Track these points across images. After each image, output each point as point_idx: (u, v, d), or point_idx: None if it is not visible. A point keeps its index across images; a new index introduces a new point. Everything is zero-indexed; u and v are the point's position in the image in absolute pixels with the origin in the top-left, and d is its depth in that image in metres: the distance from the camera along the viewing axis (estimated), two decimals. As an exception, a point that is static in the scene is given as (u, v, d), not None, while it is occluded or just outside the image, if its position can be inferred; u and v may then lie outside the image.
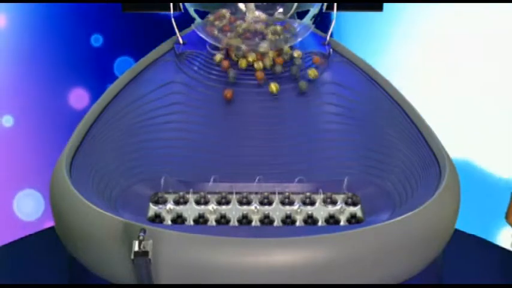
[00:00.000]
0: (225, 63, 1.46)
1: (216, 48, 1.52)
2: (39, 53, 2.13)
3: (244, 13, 1.55)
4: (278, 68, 1.47)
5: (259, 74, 1.45)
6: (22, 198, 2.15)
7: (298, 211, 1.22)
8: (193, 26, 1.56)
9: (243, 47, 1.48)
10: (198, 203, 1.23)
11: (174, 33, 1.58)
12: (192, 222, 1.21)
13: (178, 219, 1.21)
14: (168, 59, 1.54)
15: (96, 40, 2.16)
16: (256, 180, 1.26)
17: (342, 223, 1.21)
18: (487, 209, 2.03)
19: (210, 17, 1.54)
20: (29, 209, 2.15)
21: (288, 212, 1.22)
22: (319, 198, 1.24)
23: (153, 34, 1.98)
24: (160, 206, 1.23)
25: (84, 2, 2.02)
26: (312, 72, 1.46)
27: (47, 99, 2.15)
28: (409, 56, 2.10)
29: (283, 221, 1.21)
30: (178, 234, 1.06)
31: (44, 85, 2.14)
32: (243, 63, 1.46)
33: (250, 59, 1.47)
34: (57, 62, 2.13)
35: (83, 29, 2.15)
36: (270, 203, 1.23)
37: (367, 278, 1.09)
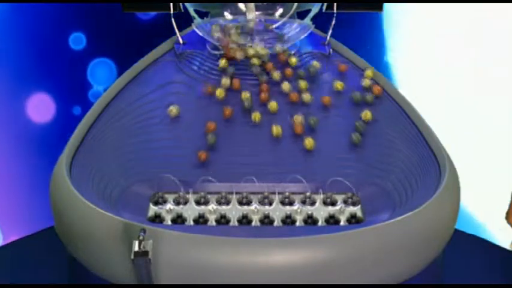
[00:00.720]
0: (211, 126, 1.35)
1: (216, 48, 1.52)
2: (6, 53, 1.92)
3: (244, 13, 1.55)
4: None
5: (298, 128, 1.36)
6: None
7: (298, 211, 1.22)
8: (193, 26, 1.56)
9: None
10: (198, 203, 1.23)
11: (155, 35, 1.58)
12: (192, 222, 1.21)
13: (178, 219, 1.21)
14: (168, 59, 1.54)
15: (75, 41, 2.00)
16: (255, 180, 1.26)
17: (342, 223, 1.21)
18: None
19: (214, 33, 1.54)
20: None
21: (288, 212, 1.22)
22: (319, 198, 1.24)
23: (132, 35, 1.95)
24: (160, 206, 1.23)
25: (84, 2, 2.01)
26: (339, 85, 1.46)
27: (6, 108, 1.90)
28: (409, 56, 2.11)
29: (283, 221, 1.21)
30: (178, 234, 1.06)
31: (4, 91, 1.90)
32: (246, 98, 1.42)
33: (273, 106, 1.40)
34: (28, 65, 1.93)
35: (60, 28, 1.98)
36: (270, 203, 1.23)
37: (367, 278, 1.09)
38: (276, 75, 1.47)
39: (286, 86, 1.44)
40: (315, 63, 1.50)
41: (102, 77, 2.03)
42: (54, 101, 1.99)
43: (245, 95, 1.42)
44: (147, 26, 1.99)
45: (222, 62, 1.48)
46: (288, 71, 1.48)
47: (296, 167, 1.29)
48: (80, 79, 2.02)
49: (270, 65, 1.49)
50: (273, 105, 1.40)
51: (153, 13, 1.94)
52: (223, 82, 1.44)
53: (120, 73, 1.82)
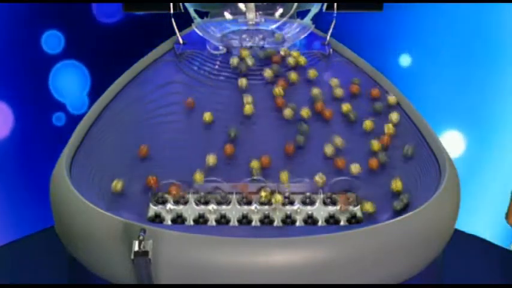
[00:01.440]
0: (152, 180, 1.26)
1: (216, 48, 1.52)
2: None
3: (244, 13, 1.55)
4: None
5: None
6: None
7: (298, 211, 1.22)
8: (193, 26, 1.56)
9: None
10: (198, 203, 1.23)
11: (124, 37, 1.57)
12: (192, 222, 1.21)
13: (178, 219, 1.21)
14: (168, 59, 1.53)
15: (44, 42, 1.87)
16: (254, 178, 1.26)
17: (342, 223, 1.21)
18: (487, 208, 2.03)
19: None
20: None
21: (288, 212, 1.22)
22: (319, 198, 1.24)
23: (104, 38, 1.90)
24: (161, 206, 1.23)
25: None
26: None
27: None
28: (408, 56, 2.11)
29: (283, 221, 1.21)
30: (178, 234, 1.06)
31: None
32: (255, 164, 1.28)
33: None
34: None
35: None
36: (270, 203, 1.23)
37: (367, 278, 1.09)
38: (339, 141, 1.32)
39: (329, 149, 1.31)
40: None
41: (73, 84, 1.97)
42: (12, 111, 1.82)
43: (254, 164, 1.28)
44: (114, 29, 1.96)
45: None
46: (328, 112, 1.38)
47: (296, 167, 1.29)
48: (45, 86, 1.89)
49: (319, 105, 1.39)
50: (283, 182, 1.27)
51: (120, 16, 1.93)
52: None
53: (93, 79, 1.79)
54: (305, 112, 1.38)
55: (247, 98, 1.40)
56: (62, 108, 1.95)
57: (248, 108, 1.38)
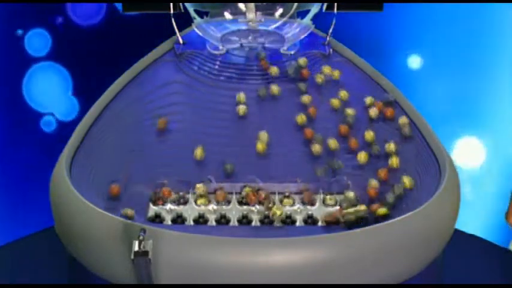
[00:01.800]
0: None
1: (216, 48, 1.52)
2: None
3: (244, 13, 1.55)
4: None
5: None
6: None
7: (298, 211, 1.22)
8: (193, 26, 1.56)
9: None
10: (198, 203, 1.23)
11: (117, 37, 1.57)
12: (192, 222, 1.21)
13: (178, 219, 1.21)
14: (168, 59, 1.53)
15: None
16: (254, 179, 1.26)
17: (342, 223, 1.21)
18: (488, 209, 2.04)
19: None
20: None
21: (288, 212, 1.22)
22: (319, 198, 1.24)
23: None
24: (161, 206, 1.23)
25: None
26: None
27: None
28: (418, 57, 2.10)
29: (283, 221, 1.21)
30: (178, 234, 1.06)
31: None
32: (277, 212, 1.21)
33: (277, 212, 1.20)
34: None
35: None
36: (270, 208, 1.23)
37: (367, 278, 1.09)
38: (374, 184, 1.25)
39: (349, 197, 1.24)
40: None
41: (56, 86, 1.96)
42: None
43: (247, 193, 1.24)
44: (95, 30, 1.95)
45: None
46: (354, 143, 1.32)
47: (296, 167, 1.29)
48: (20, 89, 1.90)
49: (344, 129, 1.34)
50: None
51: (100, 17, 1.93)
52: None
53: (75, 84, 1.79)
54: (333, 143, 1.31)
55: (263, 135, 1.33)
56: (49, 112, 1.95)
57: (260, 147, 1.32)
